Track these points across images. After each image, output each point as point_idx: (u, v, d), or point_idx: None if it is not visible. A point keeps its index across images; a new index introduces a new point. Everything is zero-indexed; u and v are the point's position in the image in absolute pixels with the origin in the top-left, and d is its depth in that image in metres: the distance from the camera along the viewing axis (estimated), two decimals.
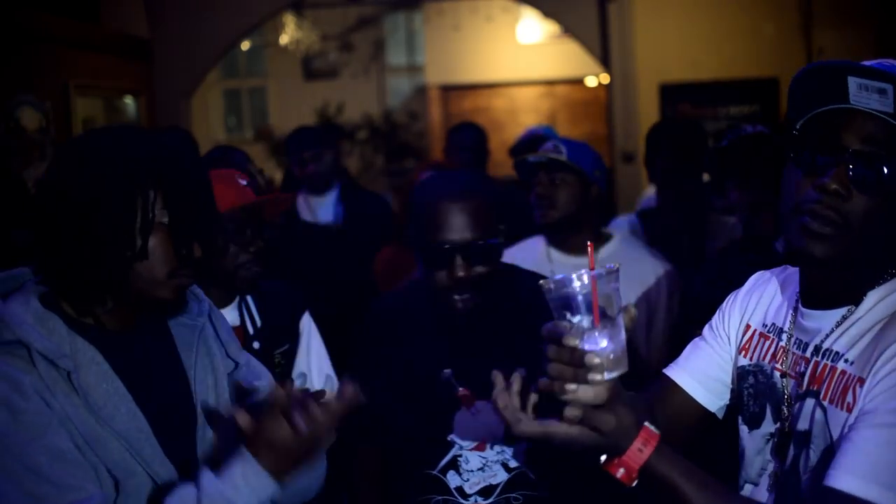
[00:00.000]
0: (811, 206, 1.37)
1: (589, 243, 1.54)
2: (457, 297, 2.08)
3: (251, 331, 2.51)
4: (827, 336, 1.44)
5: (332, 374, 2.65)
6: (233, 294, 2.51)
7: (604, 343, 1.32)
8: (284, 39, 14.97)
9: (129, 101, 8.51)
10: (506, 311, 2.17)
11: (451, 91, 17.11)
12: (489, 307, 2.14)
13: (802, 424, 1.43)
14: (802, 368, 1.46)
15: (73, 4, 7.56)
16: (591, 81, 15.86)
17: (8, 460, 1.40)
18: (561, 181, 3.00)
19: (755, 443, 1.54)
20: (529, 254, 3.11)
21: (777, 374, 1.51)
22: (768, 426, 1.52)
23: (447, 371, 2.14)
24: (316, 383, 2.60)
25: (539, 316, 2.10)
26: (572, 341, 1.30)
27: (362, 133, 14.95)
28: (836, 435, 1.36)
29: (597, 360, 1.30)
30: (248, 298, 2.55)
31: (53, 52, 7.01)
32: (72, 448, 1.44)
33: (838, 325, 1.43)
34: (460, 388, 2.14)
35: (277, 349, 2.55)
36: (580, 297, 1.33)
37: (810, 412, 1.42)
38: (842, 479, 1.27)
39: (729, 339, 1.68)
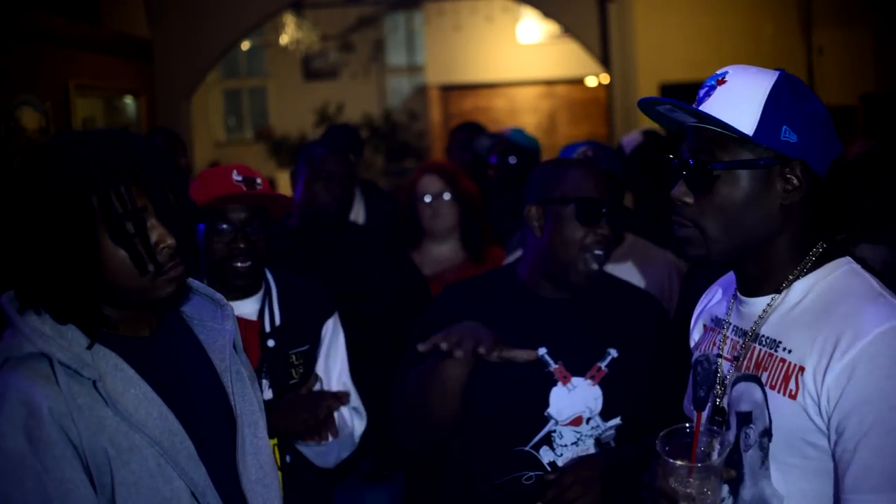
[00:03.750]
0: (672, 217, 1.60)
1: (697, 415, 1.60)
2: (594, 253, 2.21)
3: (268, 328, 2.47)
4: (759, 321, 1.58)
5: (349, 384, 2.60)
6: (249, 288, 2.48)
7: (699, 496, 1.51)
8: (284, 39, 14.97)
9: (129, 101, 8.51)
10: (594, 296, 2.30)
11: (451, 91, 17.10)
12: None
13: (744, 406, 1.56)
14: (738, 352, 1.60)
15: (73, 4, 7.56)
16: (591, 81, 15.86)
17: (22, 492, 1.38)
18: None
19: (702, 424, 1.66)
20: None
21: (718, 359, 1.65)
22: (710, 407, 1.65)
23: (541, 349, 2.20)
24: (334, 389, 2.56)
25: (631, 306, 2.33)
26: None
27: (362, 133, 14.94)
28: (776, 418, 1.50)
29: None
30: (273, 293, 2.51)
31: (53, 52, 7.01)
32: (84, 480, 1.41)
33: (766, 310, 1.57)
34: (555, 365, 2.20)
35: (295, 349, 2.50)
36: (682, 443, 1.56)
37: (751, 395, 1.55)
38: (862, 499, 1.39)
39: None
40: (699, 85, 1.62)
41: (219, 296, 1.72)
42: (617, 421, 2.21)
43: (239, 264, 2.39)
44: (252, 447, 1.65)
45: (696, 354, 1.75)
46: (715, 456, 1.53)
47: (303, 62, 16.82)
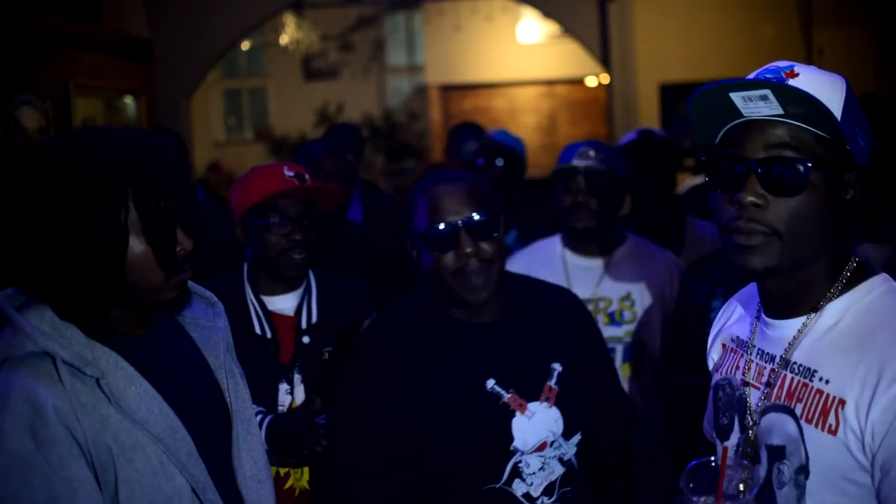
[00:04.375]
0: (735, 223, 1.41)
1: (723, 449, 1.47)
2: (470, 272, 2.07)
3: (304, 325, 2.53)
4: (790, 346, 1.45)
5: None
6: (293, 283, 2.55)
7: None
8: (284, 39, 14.98)
9: (129, 101, 8.51)
10: (524, 310, 2.19)
11: (451, 91, 17.11)
12: (511, 299, 2.17)
13: (776, 440, 1.44)
14: (768, 378, 1.48)
15: (73, 4, 7.55)
16: (591, 81, 15.87)
17: (28, 491, 1.37)
18: (599, 189, 2.98)
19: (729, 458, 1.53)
20: (544, 255, 3.12)
21: (743, 385, 1.53)
22: (736, 436, 1.54)
23: (490, 380, 2.10)
24: None
25: (557, 309, 2.21)
26: None
27: (362, 133, 14.95)
28: (813, 454, 1.38)
29: None
30: (314, 290, 2.58)
31: (53, 52, 7.00)
32: (90, 477, 1.41)
33: (800, 334, 1.44)
34: (508, 395, 2.10)
35: (328, 347, 2.55)
36: (708, 478, 1.40)
37: (784, 428, 1.43)
38: None
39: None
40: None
41: (210, 294, 1.74)
42: (578, 437, 2.14)
43: (296, 256, 2.48)
44: (246, 444, 1.66)
45: (717, 378, 1.64)
46: (743, 492, 1.39)
47: (303, 62, 16.83)
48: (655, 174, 3.75)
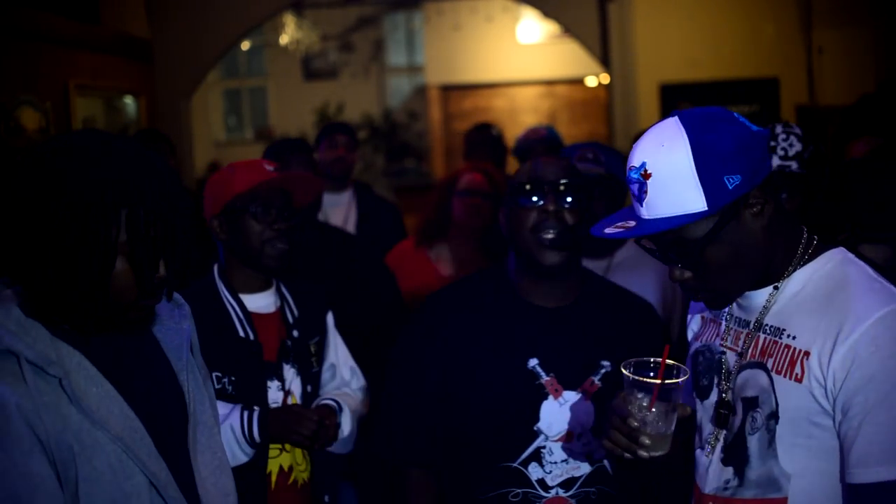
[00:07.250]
0: (684, 290, 1.72)
1: (665, 348, 1.67)
2: (548, 228, 2.12)
3: (290, 319, 2.57)
4: (763, 312, 1.66)
5: (355, 367, 2.74)
6: (269, 279, 2.58)
7: (655, 425, 1.62)
8: (284, 39, 14.96)
9: (129, 101, 8.51)
10: (591, 305, 2.21)
11: (451, 91, 17.09)
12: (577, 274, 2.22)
13: (751, 392, 1.65)
14: (744, 342, 1.69)
15: (73, 4, 7.55)
16: (591, 81, 15.85)
17: None
18: (600, 194, 2.97)
19: (706, 412, 1.76)
20: None
21: (721, 350, 1.74)
22: (714, 397, 1.74)
23: (533, 360, 2.13)
24: (345, 374, 2.70)
25: (628, 317, 2.24)
26: (633, 423, 1.62)
27: (362, 133, 14.94)
28: (782, 401, 1.59)
29: (647, 441, 1.62)
30: (283, 288, 2.61)
31: (53, 52, 7.00)
32: (51, 475, 1.43)
33: (769, 301, 1.65)
34: (547, 378, 2.12)
35: (311, 340, 2.61)
36: (649, 378, 1.65)
37: (757, 381, 1.64)
38: (867, 472, 1.47)
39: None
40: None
41: (177, 295, 1.74)
42: None
43: (279, 245, 2.48)
44: (205, 446, 1.68)
45: (697, 345, 1.84)
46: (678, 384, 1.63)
47: (303, 62, 16.81)
48: None
